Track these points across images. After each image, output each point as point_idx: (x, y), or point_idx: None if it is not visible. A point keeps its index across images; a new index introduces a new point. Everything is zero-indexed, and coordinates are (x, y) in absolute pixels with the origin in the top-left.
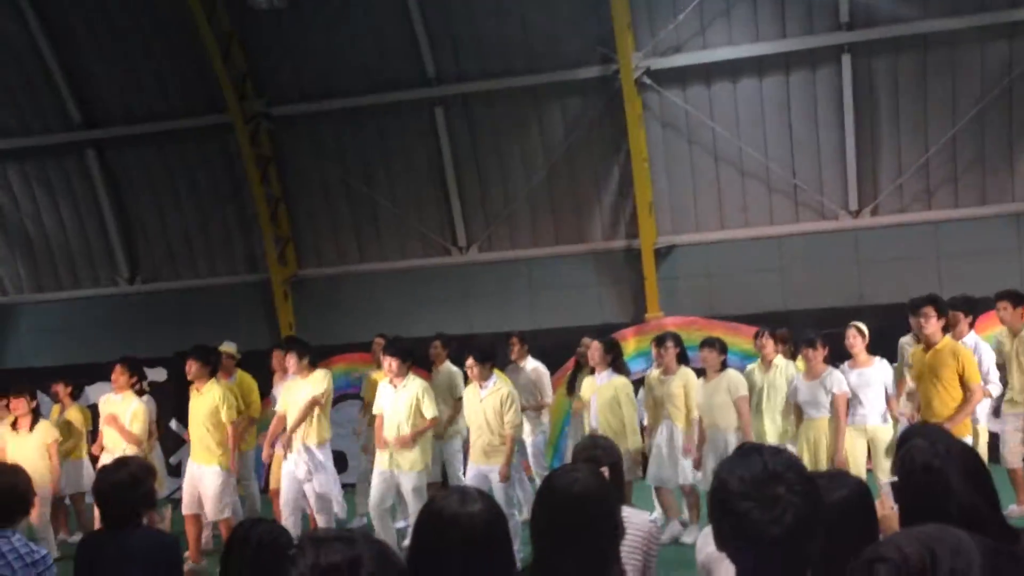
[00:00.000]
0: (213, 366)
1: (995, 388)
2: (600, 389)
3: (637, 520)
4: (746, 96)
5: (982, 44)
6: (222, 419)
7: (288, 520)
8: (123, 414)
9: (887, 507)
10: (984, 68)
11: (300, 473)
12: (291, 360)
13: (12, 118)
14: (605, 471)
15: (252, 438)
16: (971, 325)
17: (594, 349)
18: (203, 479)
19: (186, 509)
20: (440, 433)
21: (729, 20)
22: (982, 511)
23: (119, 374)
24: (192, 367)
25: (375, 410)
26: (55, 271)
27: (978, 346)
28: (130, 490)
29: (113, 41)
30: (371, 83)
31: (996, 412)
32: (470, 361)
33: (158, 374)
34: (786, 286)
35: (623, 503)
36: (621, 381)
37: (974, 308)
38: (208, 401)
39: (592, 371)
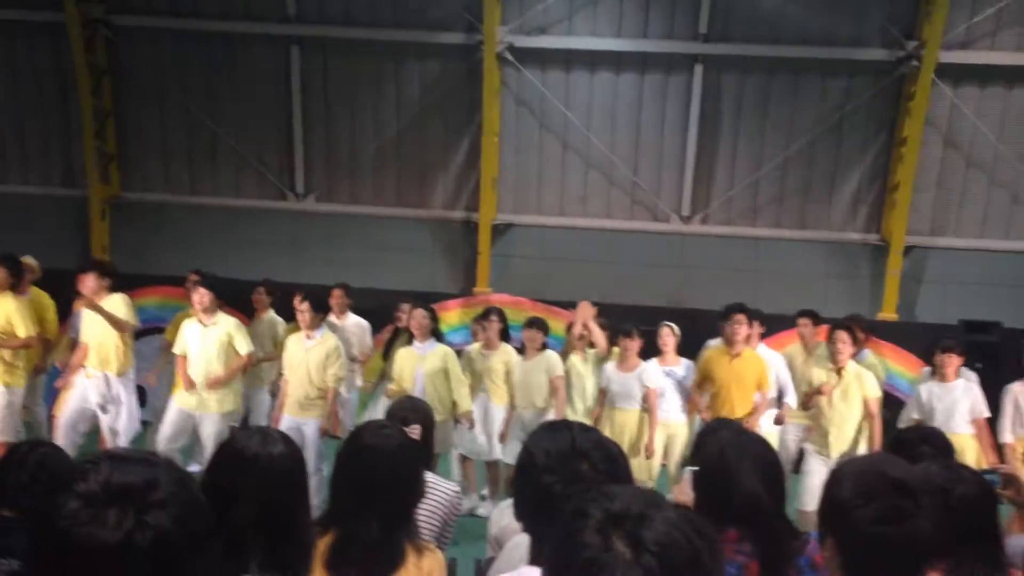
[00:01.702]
0: (15, 278)
1: (792, 400)
2: (426, 358)
3: (441, 487)
4: (601, 88)
5: (823, 76)
6: (18, 335)
7: (62, 443)
8: None
9: (685, 494)
10: (822, 100)
11: (92, 401)
12: (88, 281)
13: None
14: (416, 431)
15: (39, 359)
16: (760, 337)
17: (419, 317)
18: None
19: None
20: (262, 384)
21: (595, 11)
22: (765, 504)
23: None
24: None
25: (177, 349)
26: None
27: (772, 358)
28: None
29: None
30: (227, 8)
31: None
32: (304, 306)
33: None
34: (612, 279)
35: (429, 468)
36: (447, 349)
37: (765, 322)
38: (0, 315)
39: (410, 338)
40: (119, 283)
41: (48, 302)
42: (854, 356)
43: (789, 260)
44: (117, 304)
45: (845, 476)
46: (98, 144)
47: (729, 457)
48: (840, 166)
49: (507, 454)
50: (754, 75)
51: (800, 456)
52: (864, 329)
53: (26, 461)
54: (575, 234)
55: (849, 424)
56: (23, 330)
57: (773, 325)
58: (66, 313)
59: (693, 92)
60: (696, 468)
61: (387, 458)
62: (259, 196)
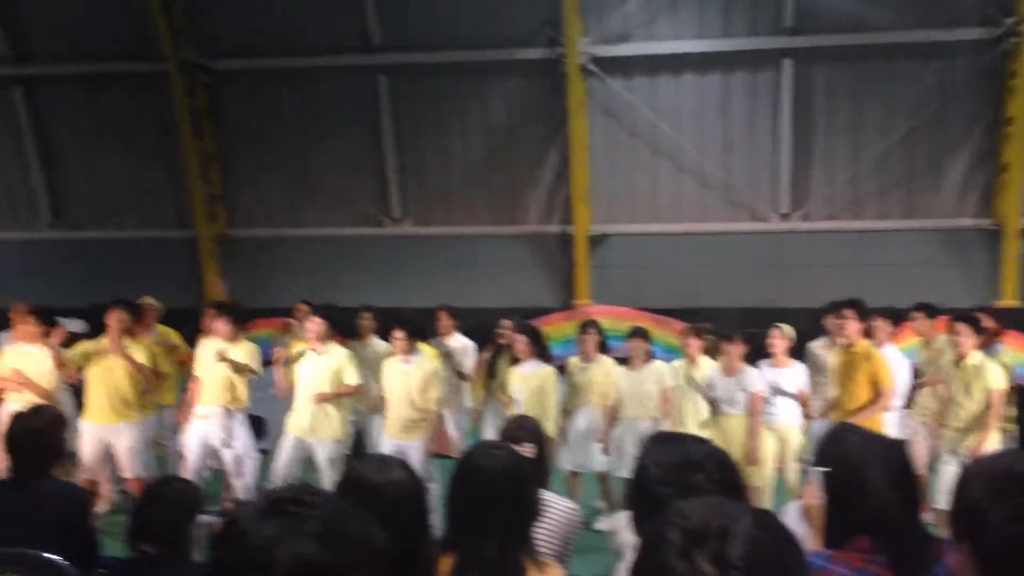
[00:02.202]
0: (136, 321)
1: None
2: (527, 378)
3: (559, 506)
4: (687, 91)
5: (920, 61)
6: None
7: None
8: (34, 366)
9: (813, 496)
10: (921, 85)
11: (213, 437)
12: (220, 324)
13: None
14: (529, 449)
15: (172, 395)
16: (892, 336)
17: (520, 342)
18: (118, 436)
19: (88, 473)
20: (375, 408)
21: (675, 14)
22: (898, 511)
23: (28, 324)
24: (118, 318)
25: (289, 375)
26: None
27: (896, 358)
28: (42, 439)
29: None
30: (315, 45)
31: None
32: (399, 333)
33: (75, 325)
34: (712, 282)
35: (544, 486)
36: (547, 370)
37: (897, 320)
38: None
39: (513, 356)
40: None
41: (175, 338)
42: (987, 350)
43: (897, 252)
44: (250, 352)
45: (974, 476)
46: (204, 185)
47: (857, 461)
48: (945, 151)
49: (617, 466)
50: (846, 65)
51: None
52: (996, 321)
53: (161, 497)
54: (672, 240)
55: (977, 418)
56: (160, 366)
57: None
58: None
59: (783, 87)
60: (826, 470)
61: (498, 478)
62: (357, 224)
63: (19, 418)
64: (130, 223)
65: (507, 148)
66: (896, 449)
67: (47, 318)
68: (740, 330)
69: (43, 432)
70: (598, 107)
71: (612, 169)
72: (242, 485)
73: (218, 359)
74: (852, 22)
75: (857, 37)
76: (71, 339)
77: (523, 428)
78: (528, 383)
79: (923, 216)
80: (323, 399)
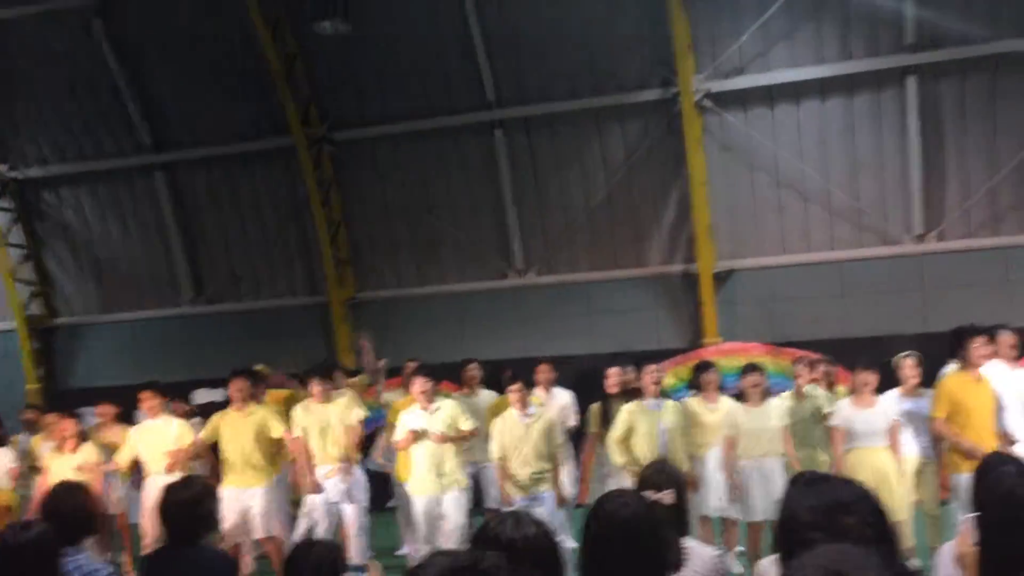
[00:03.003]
0: (258, 388)
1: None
2: (663, 415)
3: (701, 552)
4: (808, 118)
5: None
6: (271, 436)
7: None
8: (165, 440)
9: (967, 543)
10: None
11: (334, 494)
12: (316, 386)
13: (86, 142)
14: (670, 495)
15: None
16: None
17: (652, 372)
18: (253, 499)
19: (230, 539)
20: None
21: (792, 41)
22: None
23: (149, 399)
24: (243, 387)
25: (399, 436)
26: (123, 292)
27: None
28: (192, 509)
29: (182, 66)
30: (431, 106)
31: None
32: (516, 386)
33: (218, 394)
34: (848, 312)
35: (685, 532)
36: (680, 404)
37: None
38: (257, 421)
39: (626, 398)
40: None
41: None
42: None
43: None
44: (347, 400)
45: None
46: (333, 251)
47: (1020, 496)
48: None
49: (735, 509)
50: (974, 76)
51: None
52: None
53: (307, 559)
54: (801, 270)
55: None
56: (276, 431)
57: None
58: None
59: (908, 105)
60: (977, 513)
61: (629, 526)
62: (482, 277)
63: (171, 489)
64: (265, 293)
65: (627, 191)
66: None
67: (162, 391)
68: (872, 360)
69: (195, 502)
70: (716, 142)
71: (734, 204)
72: (359, 543)
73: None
74: (976, 34)
75: (980, 48)
76: (199, 410)
77: (662, 472)
78: (665, 418)
79: None
80: (443, 439)
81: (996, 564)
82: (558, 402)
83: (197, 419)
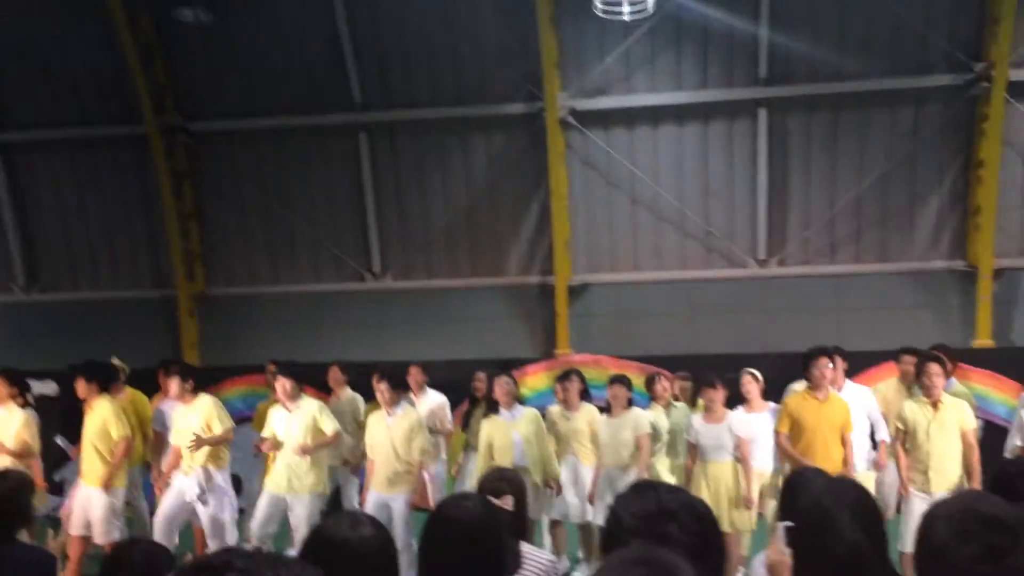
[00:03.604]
0: (101, 382)
1: (885, 436)
2: (518, 425)
3: (536, 557)
4: (666, 142)
5: (891, 107)
6: (112, 436)
7: (161, 539)
8: (4, 428)
9: (778, 551)
10: (892, 131)
11: (190, 496)
12: (172, 384)
13: None
14: (509, 501)
15: (139, 455)
16: (846, 375)
17: (503, 384)
18: (91, 500)
19: (73, 530)
20: (355, 464)
21: (653, 67)
22: (867, 552)
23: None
24: (80, 385)
25: (267, 434)
26: None
27: (861, 395)
28: (7, 503)
29: (26, 41)
30: (295, 104)
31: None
32: (383, 385)
33: (49, 387)
34: (694, 330)
35: (523, 538)
36: (536, 412)
37: (847, 359)
38: (98, 419)
39: (490, 407)
40: (203, 379)
41: (142, 399)
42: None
43: (873, 295)
44: (206, 406)
45: (938, 518)
46: (183, 245)
47: (826, 506)
48: (917, 195)
49: (597, 515)
50: (820, 113)
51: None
52: (951, 358)
53: (128, 559)
54: (652, 288)
55: (949, 458)
56: (116, 431)
57: (861, 362)
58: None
59: (759, 136)
60: (789, 524)
61: (468, 530)
62: (338, 279)
63: None
64: (107, 284)
65: (488, 202)
66: (860, 489)
67: (16, 380)
68: (721, 376)
69: (8, 496)
70: (578, 159)
71: (592, 220)
72: (218, 546)
73: (193, 449)
74: (824, 72)
75: (829, 86)
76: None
77: (503, 479)
78: (520, 428)
79: (898, 259)
80: (305, 451)
81: (805, 573)
82: (429, 404)
83: (30, 410)
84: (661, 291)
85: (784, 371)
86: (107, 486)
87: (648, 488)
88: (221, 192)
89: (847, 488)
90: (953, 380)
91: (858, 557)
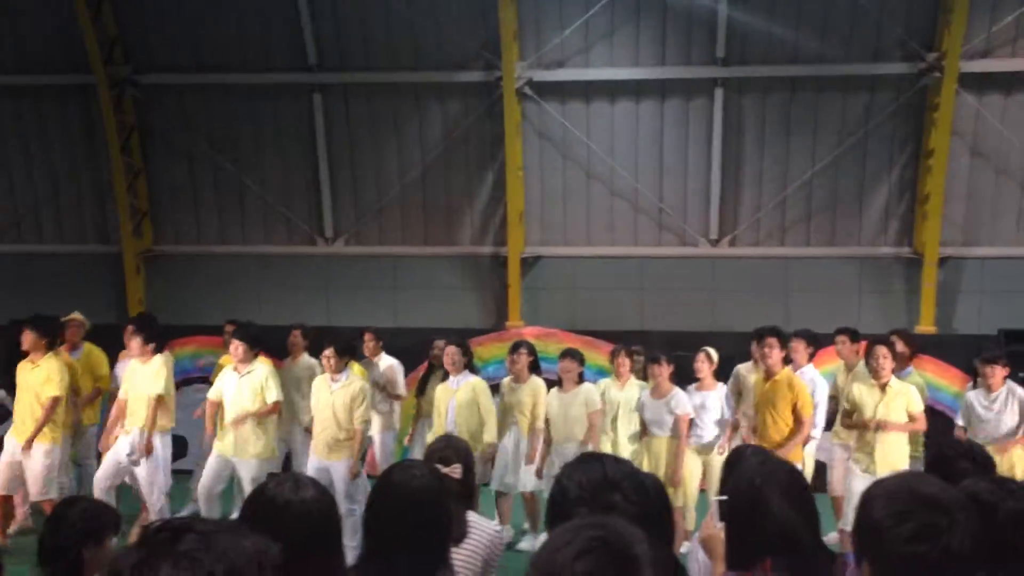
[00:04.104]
0: (51, 338)
1: (819, 422)
2: (458, 392)
3: (482, 526)
4: (622, 117)
5: (844, 93)
6: (47, 394)
7: (100, 497)
8: None
9: (712, 526)
10: (844, 116)
11: (124, 456)
12: (134, 342)
13: None
14: (457, 470)
15: (96, 413)
16: (811, 357)
17: (452, 353)
18: (29, 456)
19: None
20: (308, 425)
21: (612, 42)
22: (799, 531)
23: None
24: (28, 337)
25: (211, 395)
26: None
27: (815, 379)
28: None
29: None
30: (249, 61)
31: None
32: (329, 351)
33: None
34: (645, 306)
35: (471, 508)
36: (478, 381)
37: (815, 342)
38: (42, 374)
39: (445, 374)
40: (160, 336)
41: (100, 355)
42: (898, 373)
43: (821, 278)
44: (157, 370)
45: (876, 497)
46: (130, 200)
47: (758, 485)
48: (867, 181)
49: (541, 486)
50: (775, 95)
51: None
52: (910, 344)
53: (69, 517)
54: (604, 263)
55: (893, 440)
56: (49, 390)
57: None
58: (113, 364)
59: (714, 116)
60: (723, 498)
61: (414, 497)
62: (289, 242)
63: None
64: (51, 237)
65: (443, 169)
66: (792, 470)
67: None
68: (666, 352)
69: None
70: (534, 131)
71: (547, 192)
72: (154, 508)
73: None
74: (781, 54)
75: (785, 69)
76: None
77: (450, 447)
78: (460, 395)
79: (846, 244)
80: (241, 419)
81: (738, 549)
82: (383, 368)
83: None
84: (613, 266)
85: (733, 350)
86: (28, 445)
87: (594, 459)
88: (170, 148)
89: (778, 467)
90: (910, 368)
91: (790, 534)
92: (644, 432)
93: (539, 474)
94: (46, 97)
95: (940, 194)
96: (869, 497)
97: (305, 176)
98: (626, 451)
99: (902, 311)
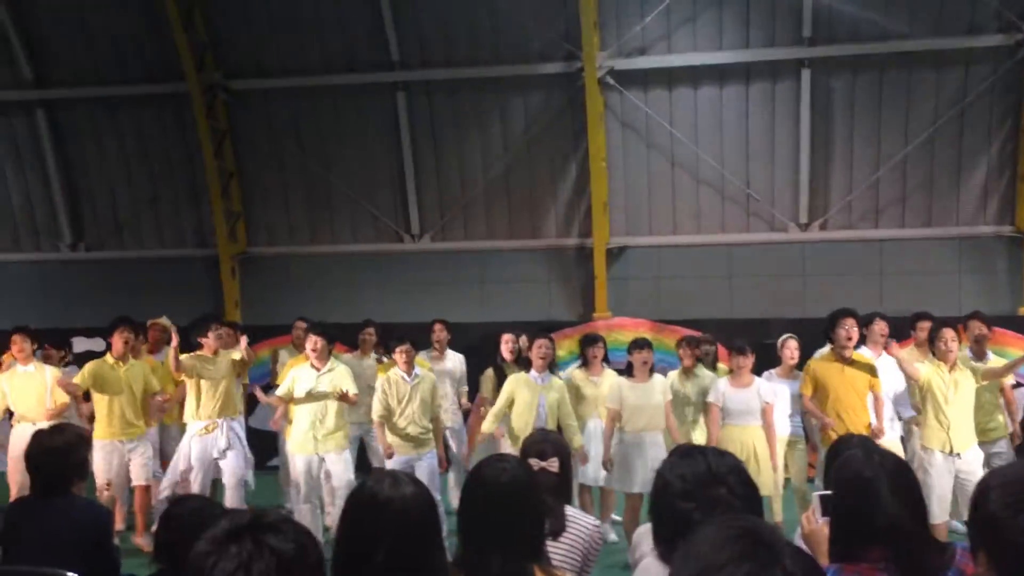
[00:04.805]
0: (141, 340)
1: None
2: (548, 388)
3: (581, 522)
4: (706, 103)
5: (937, 69)
6: (149, 391)
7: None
8: (36, 386)
9: (814, 521)
10: (938, 93)
11: (217, 449)
12: (211, 338)
13: None
14: (555, 463)
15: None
16: (887, 338)
17: (544, 347)
18: (127, 452)
19: (110, 490)
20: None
21: (695, 26)
22: (908, 525)
23: (19, 344)
24: (127, 337)
25: (282, 392)
26: None
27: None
28: (64, 457)
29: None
30: (333, 63)
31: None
32: (405, 346)
33: (96, 344)
34: (733, 294)
35: (568, 502)
36: (563, 383)
37: (888, 321)
38: (135, 374)
39: (523, 364)
40: (247, 335)
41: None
42: (980, 358)
43: (917, 260)
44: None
45: (992, 488)
46: (224, 204)
47: (866, 478)
48: (964, 158)
49: (616, 480)
50: (864, 74)
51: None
52: (987, 325)
53: (176, 515)
54: (691, 251)
55: (966, 420)
56: (153, 386)
57: (905, 328)
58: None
59: (802, 98)
60: (825, 492)
61: (505, 491)
62: (376, 240)
63: (39, 437)
64: (150, 243)
65: (526, 162)
66: (899, 461)
67: (38, 338)
68: (750, 341)
69: (66, 450)
70: (617, 120)
71: (631, 182)
72: (237, 497)
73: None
74: (869, 31)
75: (874, 46)
76: (76, 359)
77: (547, 441)
78: (549, 394)
79: (943, 224)
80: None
81: (844, 542)
82: (450, 364)
83: (72, 367)
84: (700, 254)
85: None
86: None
87: (696, 452)
88: (261, 151)
89: (885, 459)
90: (990, 354)
91: (898, 527)
92: (714, 422)
93: (607, 466)
94: (143, 106)
95: None
96: (985, 488)
97: (390, 174)
98: (701, 441)
99: (1005, 291)
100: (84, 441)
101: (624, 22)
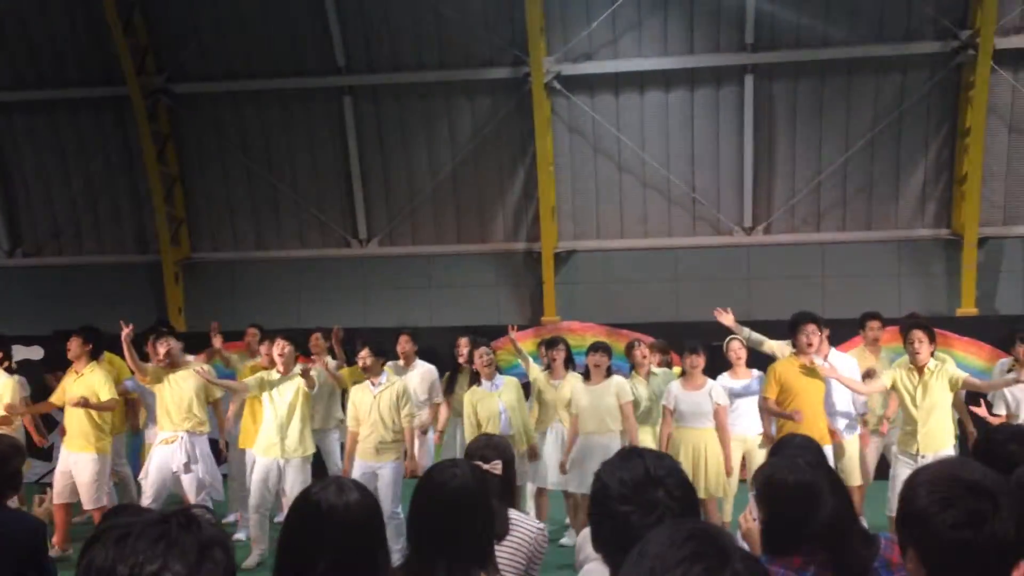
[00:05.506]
0: (95, 348)
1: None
2: (502, 392)
3: (525, 525)
4: (652, 108)
5: (877, 75)
6: (100, 398)
7: (151, 507)
8: None
9: (750, 519)
10: (877, 98)
11: (176, 463)
12: (159, 349)
13: None
14: (498, 466)
15: (121, 422)
16: (828, 342)
17: (483, 356)
18: (78, 466)
19: (57, 498)
20: (331, 425)
21: (640, 32)
22: (846, 521)
23: None
24: (74, 345)
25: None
26: None
27: (847, 362)
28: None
29: (4, 0)
30: (279, 67)
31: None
32: (364, 353)
33: (34, 352)
34: (680, 297)
35: (512, 505)
36: (515, 380)
37: (828, 327)
38: (88, 384)
39: (474, 376)
40: (191, 342)
41: (121, 363)
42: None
43: (858, 263)
44: (190, 373)
45: (919, 484)
46: (167, 209)
47: (805, 471)
48: (903, 163)
49: (570, 482)
50: (806, 80)
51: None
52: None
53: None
54: (638, 255)
55: (936, 422)
56: (106, 393)
57: (844, 330)
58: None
59: (745, 103)
60: (757, 491)
61: (455, 496)
62: (323, 245)
63: None
64: (90, 249)
65: (474, 167)
66: (823, 454)
67: (2, 346)
68: (702, 343)
69: (1, 461)
70: (564, 125)
71: (578, 186)
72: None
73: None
74: (811, 38)
75: (815, 53)
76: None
77: (491, 446)
78: (504, 397)
79: (883, 227)
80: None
81: (780, 536)
82: (420, 374)
83: (18, 375)
84: (647, 258)
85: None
86: (96, 451)
87: (635, 455)
88: (205, 156)
89: (819, 454)
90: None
91: (834, 518)
92: (668, 424)
93: (564, 469)
94: (81, 110)
95: (978, 173)
96: (912, 485)
97: (337, 179)
98: (652, 444)
99: (943, 293)
100: (17, 452)
101: (571, 28)
